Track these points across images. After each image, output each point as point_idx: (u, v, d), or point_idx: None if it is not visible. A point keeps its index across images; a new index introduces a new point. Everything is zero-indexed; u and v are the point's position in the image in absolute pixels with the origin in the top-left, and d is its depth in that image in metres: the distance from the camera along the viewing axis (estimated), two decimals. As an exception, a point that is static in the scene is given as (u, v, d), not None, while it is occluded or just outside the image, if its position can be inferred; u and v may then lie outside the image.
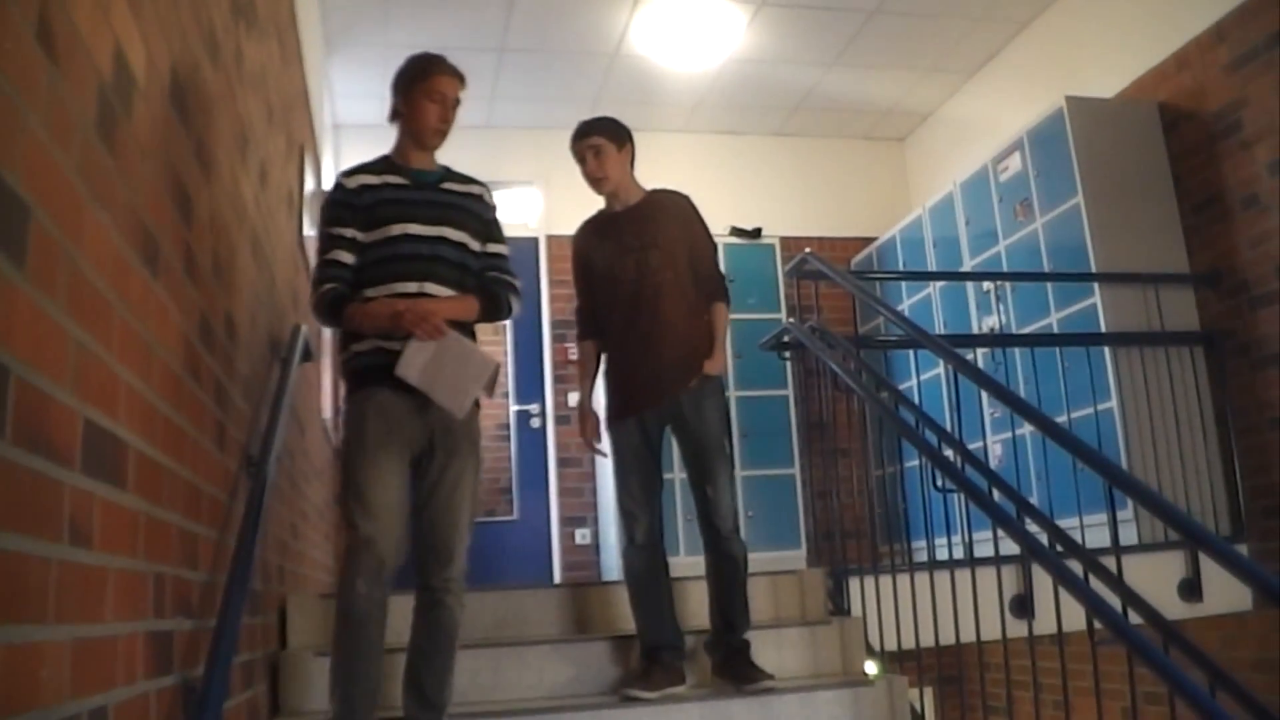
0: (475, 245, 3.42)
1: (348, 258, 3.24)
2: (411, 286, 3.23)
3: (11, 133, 1.35)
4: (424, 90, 3.40)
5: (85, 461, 1.60)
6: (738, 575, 3.92)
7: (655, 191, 4.20)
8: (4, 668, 1.28)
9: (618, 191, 4.15)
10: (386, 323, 3.15)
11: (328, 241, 3.26)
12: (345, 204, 3.28)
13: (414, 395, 3.17)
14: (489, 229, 3.50)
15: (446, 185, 3.44)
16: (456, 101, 3.46)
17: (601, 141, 4.08)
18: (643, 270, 4.01)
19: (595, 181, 4.14)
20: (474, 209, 3.45)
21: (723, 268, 4.27)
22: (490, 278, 3.44)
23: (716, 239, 4.28)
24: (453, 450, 3.27)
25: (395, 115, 3.45)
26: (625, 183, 4.16)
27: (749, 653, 3.86)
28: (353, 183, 3.31)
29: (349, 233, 3.25)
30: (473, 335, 3.38)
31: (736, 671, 3.79)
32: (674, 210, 4.14)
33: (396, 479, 3.17)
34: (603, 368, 4.17)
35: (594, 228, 4.23)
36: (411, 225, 3.27)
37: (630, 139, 4.17)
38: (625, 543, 4.00)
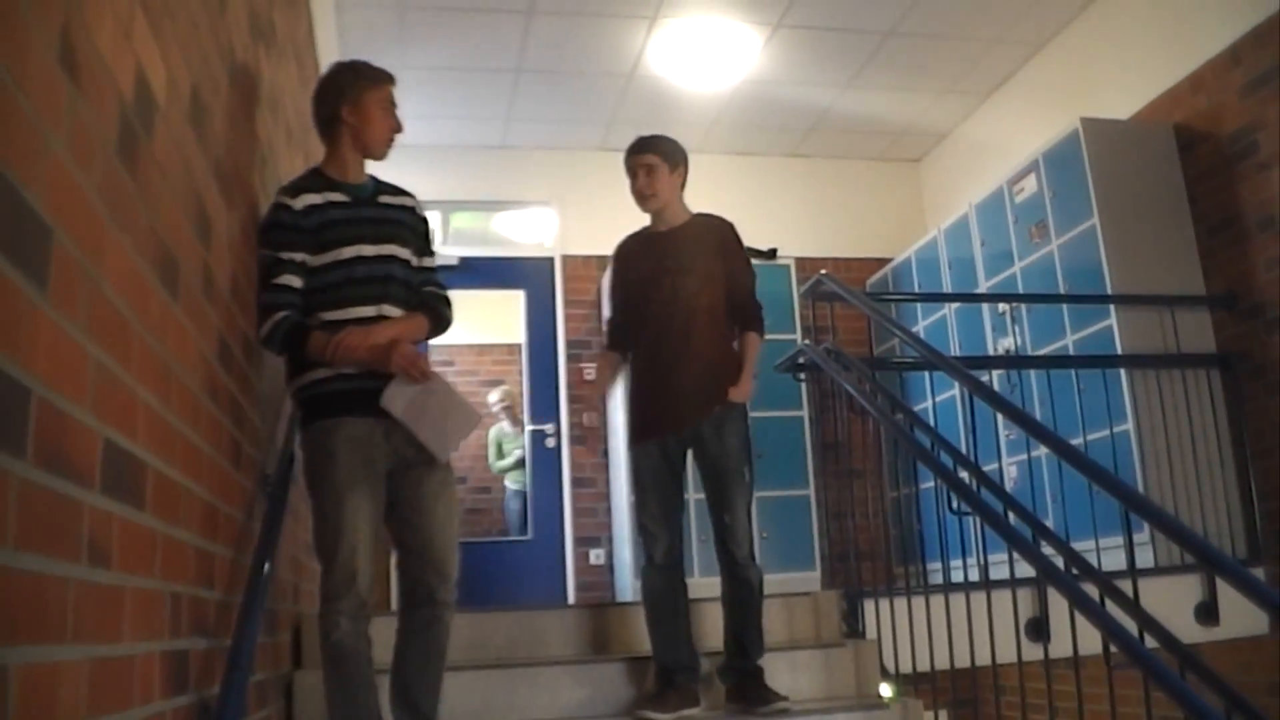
0: (415, 262, 3.33)
1: (297, 282, 3.08)
2: (369, 310, 3.11)
3: (34, 154, 1.36)
4: (377, 99, 3.29)
5: (104, 482, 1.61)
6: (752, 601, 3.90)
7: (700, 215, 4.22)
8: (23, 687, 1.28)
9: (663, 211, 4.16)
10: (365, 357, 3.02)
11: (275, 266, 3.06)
12: (293, 227, 3.09)
13: (380, 418, 3.05)
14: (424, 243, 3.40)
15: (383, 199, 3.32)
16: (396, 108, 3.38)
17: (655, 160, 4.11)
18: (677, 293, 4.01)
19: (643, 199, 4.15)
20: (410, 223, 3.34)
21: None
22: (428, 293, 3.33)
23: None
24: (429, 460, 3.17)
25: (335, 125, 3.28)
26: (672, 203, 4.17)
27: (762, 677, 3.85)
28: (299, 203, 3.11)
29: (298, 257, 3.08)
30: None
31: (750, 695, 3.78)
32: (716, 236, 4.15)
33: (371, 514, 3.05)
34: (629, 384, 4.19)
35: (635, 245, 4.25)
36: (363, 246, 3.15)
37: (684, 161, 4.20)
38: (644, 562, 4.00)
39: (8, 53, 1.27)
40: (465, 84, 7.14)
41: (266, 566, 2.75)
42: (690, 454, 4.04)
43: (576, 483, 7.94)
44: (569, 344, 8.12)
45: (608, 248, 8.03)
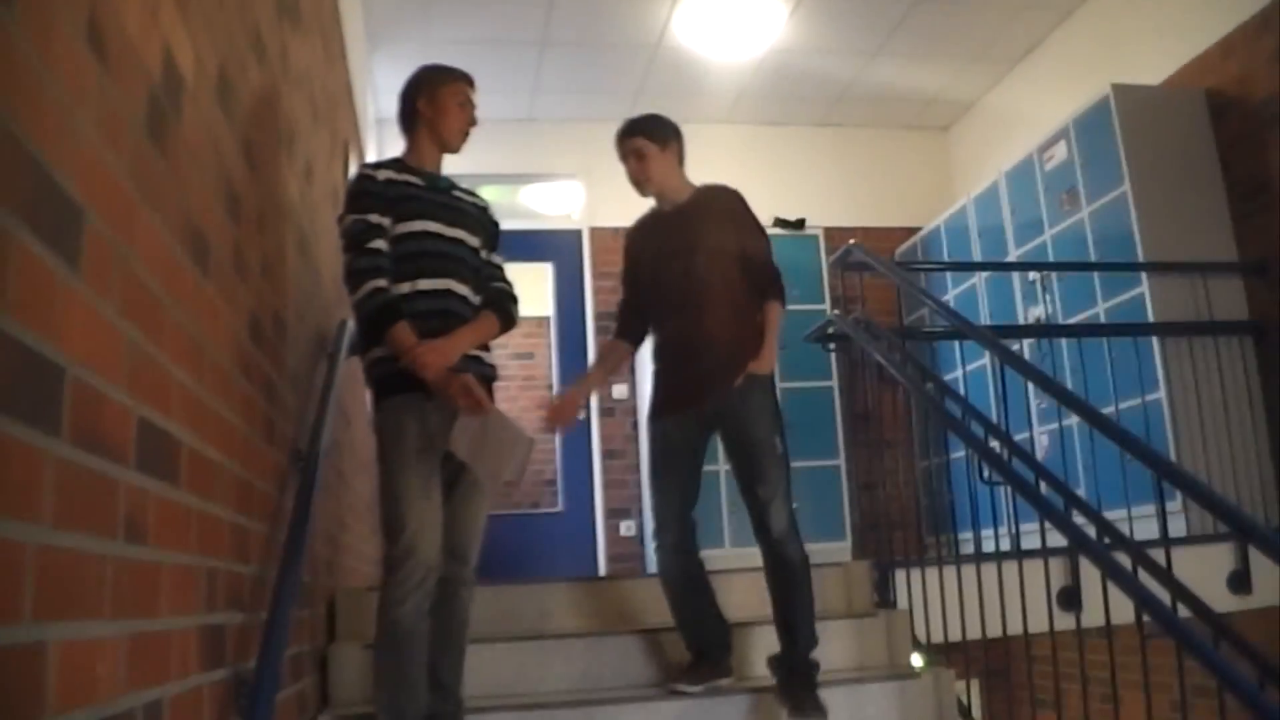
0: (483, 254, 3.46)
1: (387, 248, 3.19)
2: (439, 283, 3.23)
3: (64, 135, 1.37)
4: (451, 93, 3.43)
5: (139, 459, 1.62)
6: (795, 580, 3.70)
7: (703, 189, 4.04)
8: (63, 663, 1.30)
9: (664, 191, 4.01)
10: (432, 378, 3.08)
11: (367, 230, 3.17)
12: (378, 195, 3.23)
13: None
14: (493, 241, 3.53)
15: (456, 193, 3.46)
16: (474, 108, 3.52)
17: (642, 143, 3.96)
18: (689, 274, 3.85)
19: (637, 184, 4.02)
20: (480, 218, 3.47)
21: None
22: (496, 288, 3.44)
23: (759, 230, 4.21)
24: None
25: (414, 119, 3.44)
26: (671, 182, 4.01)
27: (813, 678, 3.63)
28: (381, 175, 3.27)
29: (386, 222, 3.21)
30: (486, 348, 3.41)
31: (794, 698, 3.55)
32: (722, 208, 3.97)
33: (437, 485, 3.14)
34: (651, 366, 4.04)
35: (643, 228, 4.12)
36: (433, 224, 3.27)
37: (676, 136, 4.03)
38: (656, 544, 3.93)
39: (36, 34, 1.28)
40: (491, 57, 7.13)
41: (300, 540, 2.77)
42: (718, 436, 3.89)
43: (607, 455, 7.97)
44: (598, 316, 8.14)
45: (635, 219, 8.08)
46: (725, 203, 3.99)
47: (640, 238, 4.11)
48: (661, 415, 3.92)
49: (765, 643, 3.86)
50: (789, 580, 3.71)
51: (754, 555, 3.84)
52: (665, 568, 3.89)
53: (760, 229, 4.03)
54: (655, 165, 3.97)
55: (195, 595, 1.98)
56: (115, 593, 1.51)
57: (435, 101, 3.41)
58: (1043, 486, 3.77)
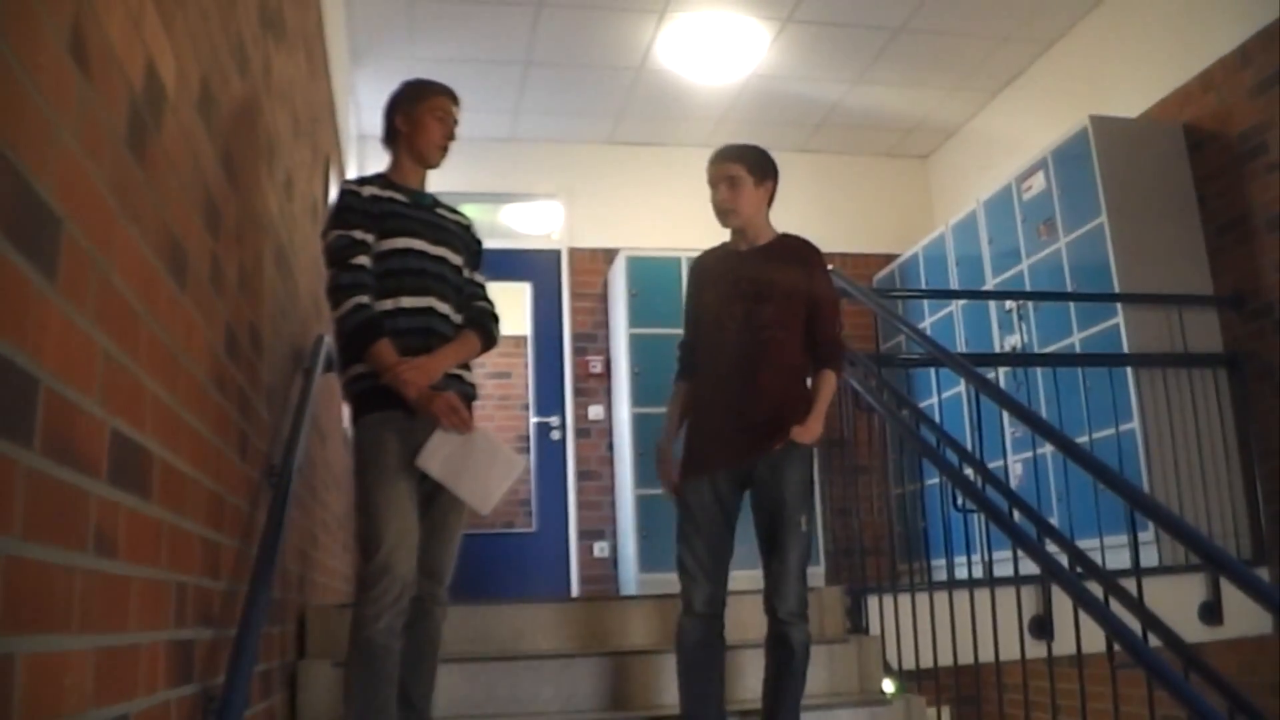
0: (466, 272, 3.45)
1: (370, 264, 3.18)
2: (420, 301, 3.22)
3: (44, 145, 1.36)
4: (428, 108, 3.42)
5: (112, 472, 1.61)
6: (792, 668, 3.46)
7: (786, 238, 3.84)
8: (30, 676, 1.29)
9: (745, 229, 3.78)
10: (412, 395, 3.06)
11: (351, 246, 3.16)
12: (362, 210, 3.22)
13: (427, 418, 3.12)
14: (475, 259, 3.52)
15: (440, 210, 3.45)
16: (455, 122, 3.50)
17: (740, 172, 3.74)
18: (751, 323, 3.63)
19: (722, 214, 3.77)
20: (463, 237, 3.47)
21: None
22: (478, 307, 3.43)
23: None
24: None
25: (393, 135, 3.45)
26: (756, 221, 3.79)
27: None
28: (366, 191, 3.27)
29: (370, 238, 3.20)
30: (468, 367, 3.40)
31: None
32: (801, 265, 3.74)
33: (414, 502, 3.11)
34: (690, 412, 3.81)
35: (713, 262, 3.87)
36: (416, 241, 3.26)
37: (774, 175, 3.84)
38: (682, 609, 3.55)
39: (19, 43, 1.27)
40: (474, 76, 7.13)
41: (272, 557, 2.75)
42: (747, 495, 3.65)
43: (581, 475, 7.95)
44: (575, 336, 8.14)
45: (614, 240, 8.09)
46: (805, 260, 3.78)
47: (708, 273, 3.87)
48: (696, 474, 3.63)
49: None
50: (785, 663, 3.47)
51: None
52: (685, 633, 3.53)
53: (834, 297, 3.86)
54: (746, 198, 3.75)
55: (165, 610, 1.96)
56: (84, 606, 1.49)
57: (412, 117, 3.41)
58: (1016, 515, 3.78)
